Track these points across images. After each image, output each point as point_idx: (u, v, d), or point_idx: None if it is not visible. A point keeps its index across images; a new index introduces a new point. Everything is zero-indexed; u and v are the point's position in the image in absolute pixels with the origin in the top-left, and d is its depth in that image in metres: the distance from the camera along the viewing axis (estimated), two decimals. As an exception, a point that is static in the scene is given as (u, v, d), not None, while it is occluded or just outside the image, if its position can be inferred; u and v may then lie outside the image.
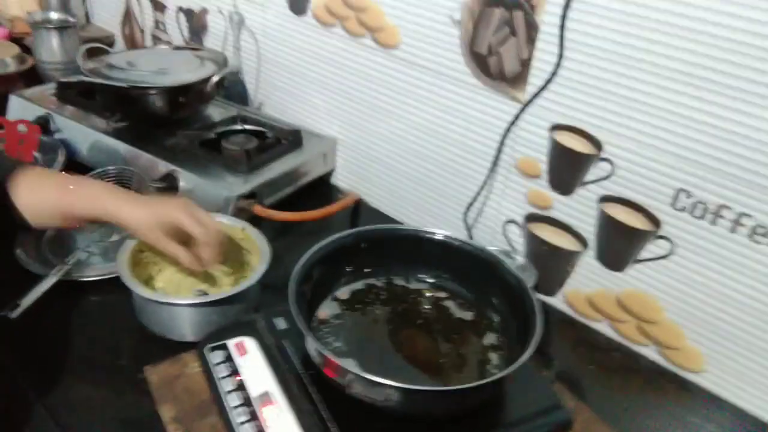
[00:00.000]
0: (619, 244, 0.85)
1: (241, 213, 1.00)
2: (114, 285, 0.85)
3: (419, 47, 0.97)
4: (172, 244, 0.77)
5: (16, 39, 1.54)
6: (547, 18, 0.81)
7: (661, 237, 0.80)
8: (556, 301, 0.96)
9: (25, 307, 0.81)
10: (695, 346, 0.82)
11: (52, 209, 0.75)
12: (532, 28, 0.83)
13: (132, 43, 1.60)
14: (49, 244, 0.98)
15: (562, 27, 0.79)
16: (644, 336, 0.87)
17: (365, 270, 0.77)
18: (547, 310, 0.96)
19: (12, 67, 1.36)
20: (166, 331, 0.79)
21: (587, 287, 0.91)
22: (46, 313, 0.84)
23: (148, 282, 0.85)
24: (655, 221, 0.80)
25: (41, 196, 0.75)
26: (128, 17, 1.56)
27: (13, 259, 0.91)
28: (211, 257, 0.79)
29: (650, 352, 0.87)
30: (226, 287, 0.85)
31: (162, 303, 0.77)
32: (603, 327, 0.91)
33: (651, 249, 0.82)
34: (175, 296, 0.82)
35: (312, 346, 0.61)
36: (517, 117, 0.89)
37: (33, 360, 0.79)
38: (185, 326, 0.78)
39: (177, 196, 0.85)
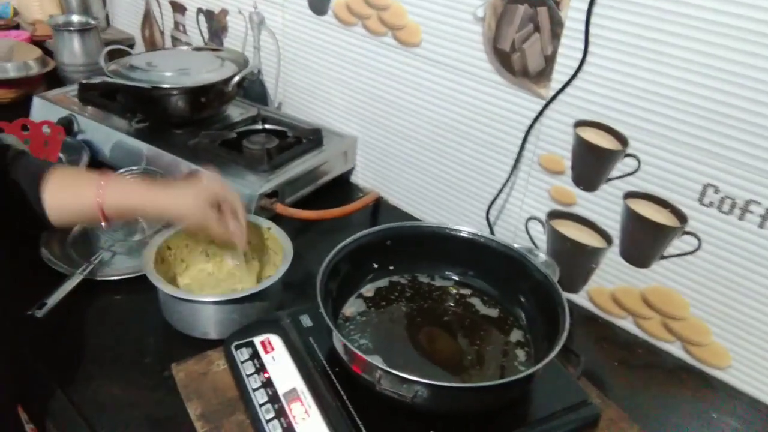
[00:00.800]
0: (645, 241, 0.84)
1: (263, 211, 1.00)
2: (138, 284, 0.86)
3: (441, 45, 0.97)
4: (222, 220, 0.77)
5: (37, 42, 1.56)
6: (572, 14, 0.80)
7: (688, 233, 0.80)
8: (580, 298, 0.95)
9: (51, 306, 0.83)
10: (721, 342, 0.82)
11: (84, 207, 0.74)
12: (556, 24, 0.82)
13: (152, 45, 1.61)
14: (73, 244, 0.99)
15: (587, 22, 0.79)
16: (669, 332, 0.86)
17: (390, 267, 0.77)
18: (571, 307, 0.94)
19: (35, 69, 1.38)
20: (189, 328, 0.80)
21: (611, 284, 0.90)
22: (71, 311, 0.85)
23: (172, 280, 0.85)
24: (682, 217, 0.79)
25: (74, 193, 0.75)
26: (148, 19, 1.58)
27: (38, 259, 0.92)
28: (244, 224, 0.79)
29: (675, 349, 0.86)
30: (250, 285, 0.86)
31: (186, 300, 0.77)
32: (627, 324, 0.91)
33: (677, 245, 0.81)
34: (198, 294, 0.82)
35: (339, 342, 0.61)
36: (540, 113, 0.88)
37: (60, 358, 0.79)
38: (209, 324, 0.78)
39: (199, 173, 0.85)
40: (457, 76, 0.97)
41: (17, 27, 1.67)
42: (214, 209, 0.76)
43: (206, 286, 0.88)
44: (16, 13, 1.71)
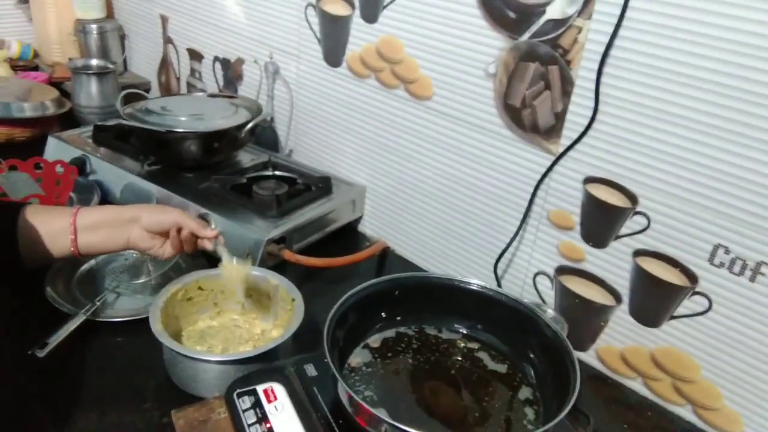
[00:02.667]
0: (655, 300, 0.83)
1: (270, 257, 1.00)
2: (141, 326, 0.85)
3: (452, 99, 0.99)
4: (165, 246, 0.86)
5: (55, 84, 1.59)
6: (583, 73, 0.82)
7: (698, 293, 0.79)
8: (588, 357, 0.94)
9: (52, 346, 0.82)
10: (733, 407, 0.80)
11: (62, 240, 0.80)
12: (567, 83, 0.84)
13: (167, 90, 1.65)
14: (78, 284, 0.99)
15: (597, 81, 0.80)
16: (680, 395, 0.84)
17: (397, 318, 0.76)
18: (579, 366, 0.93)
19: (51, 109, 1.40)
20: (192, 389, 0.79)
21: (620, 343, 0.89)
22: (73, 352, 0.84)
23: (177, 335, 0.85)
24: (692, 277, 0.79)
25: (51, 227, 0.80)
26: (165, 65, 1.61)
27: (43, 298, 0.92)
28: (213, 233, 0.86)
29: (686, 412, 0.84)
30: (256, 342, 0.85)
31: (188, 357, 0.76)
32: (636, 385, 0.89)
33: (687, 305, 0.80)
34: (203, 352, 0.82)
35: (344, 393, 0.60)
36: (550, 169, 0.89)
37: (58, 400, 0.78)
38: (212, 383, 0.77)
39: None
40: (468, 129, 0.98)
41: (36, 68, 1.71)
42: (160, 238, 0.85)
43: (227, 338, 0.87)
44: (36, 55, 1.75)
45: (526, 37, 0.86)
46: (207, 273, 0.89)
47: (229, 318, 0.90)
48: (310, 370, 0.71)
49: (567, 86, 0.84)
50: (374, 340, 0.75)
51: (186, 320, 0.88)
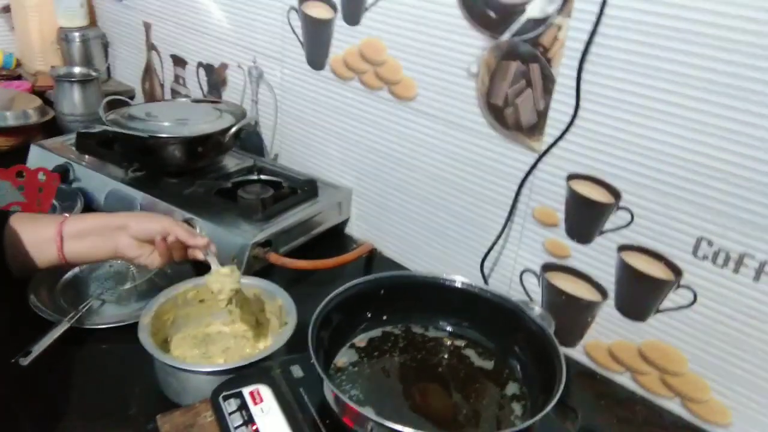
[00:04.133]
0: (640, 294, 0.84)
1: (256, 261, 1.00)
2: (127, 332, 0.84)
3: (436, 99, 0.99)
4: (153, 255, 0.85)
5: (38, 92, 1.58)
6: (564, 70, 0.82)
7: (683, 286, 0.79)
8: (576, 353, 0.94)
9: (36, 354, 0.81)
10: (720, 399, 0.80)
11: (48, 248, 0.79)
12: (548, 80, 0.84)
13: (152, 97, 1.64)
14: (62, 291, 0.98)
15: (578, 78, 0.81)
16: (667, 388, 0.85)
17: (383, 317, 0.76)
18: (567, 361, 0.93)
19: (33, 118, 1.39)
20: (174, 396, 0.78)
21: (607, 338, 0.89)
22: (57, 360, 0.83)
23: (166, 342, 0.84)
24: (677, 270, 0.79)
25: (37, 235, 0.78)
26: (149, 72, 1.61)
27: (27, 305, 0.91)
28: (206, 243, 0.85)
29: (674, 405, 0.85)
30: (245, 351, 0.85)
31: (175, 368, 0.75)
32: (624, 379, 0.89)
33: (673, 298, 0.81)
34: (191, 363, 0.81)
35: (330, 393, 0.60)
36: (533, 167, 0.89)
37: (43, 408, 0.77)
38: (192, 391, 0.76)
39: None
40: (452, 129, 0.98)
41: (19, 77, 1.70)
42: (149, 246, 0.83)
43: (228, 347, 0.86)
44: (18, 64, 1.74)
45: (507, 36, 0.87)
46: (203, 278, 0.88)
47: (241, 329, 0.89)
48: (297, 371, 0.70)
49: (548, 84, 0.84)
50: (360, 340, 0.75)
51: (198, 321, 0.88)
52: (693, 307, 0.79)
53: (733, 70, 0.68)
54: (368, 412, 0.60)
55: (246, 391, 0.68)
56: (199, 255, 0.85)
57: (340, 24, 1.09)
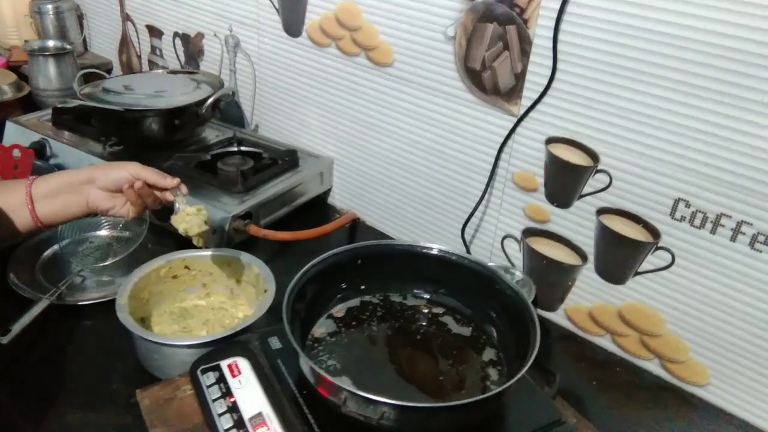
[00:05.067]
0: (619, 257, 0.84)
1: (236, 233, 0.99)
2: (108, 308, 0.84)
3: (413, 64, 0.97)
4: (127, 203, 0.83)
5: (13, 68, 1.55)
6: (540, 31, 0.81)
7: (661, 248, 0.79)
8: (557, 317, 0.94)
9: (16, 332, 0.80)
10: (699, 359, 0.81)
11: (22, 213, 0.77)
12: (525, 42, 0.83)
13: (129, 69, 1.61)
14: (42, 268, 0.97)
15: (555, 40, 0.79)
16: (647, 350, 0.85)
17: (361, 287, 0.76)
18: (548, 325, 0.94)
19: (9, 94, 1.37)
20: (155, 370, 0.78)
21: (588, 301, 0.89)
22: (38, 337, 0.83)
23: (144, 320, 0.84)
24: (655, 232, 0.79)
25: (8, 202, 0.77)
26: (125, 44, 1.57)
27: (6, 284, 0.90)
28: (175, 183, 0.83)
29: (653, 367, 0.85)
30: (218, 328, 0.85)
31: (153, 342, 0.75)
32: (605, 342, 0.90)
33: (651, 261, 0.81)
34: (172, 337, 0.81)
35: (305, 364, 0.60)
36: (512, 131, 0.88)
37: (24, 386, 0.77)
38: (173, 366, 0.76)
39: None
40: (430, 95, 0.97)
41: (-6, 53, 1.67)
42: (121, 196, 0.81)
43: (208, 319, 0.86)
44: (-8, 39, 1.70)
45: (482, -3, 0.85)
46: (194, 253, 0.88)
47: (218, 300, 0.89)
48: (275, 342, 0.70)
49: (525, 46, 0.83)
50: (338, 310, 0.74)
51: (172, 297, 0.88)
52: (671, 269, 0.79)
53: (714, 27, 0.67)
54: (343, 381, 0.60)
55: (224, 364, 0.69)
56: (170, 196, 0.83)
57: (315, -11, 1.06)
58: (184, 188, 0.84)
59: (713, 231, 0.74)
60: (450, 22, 0.90)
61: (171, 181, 0.82)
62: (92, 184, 0.80)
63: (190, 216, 0.81)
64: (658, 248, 0.80)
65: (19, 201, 0.77)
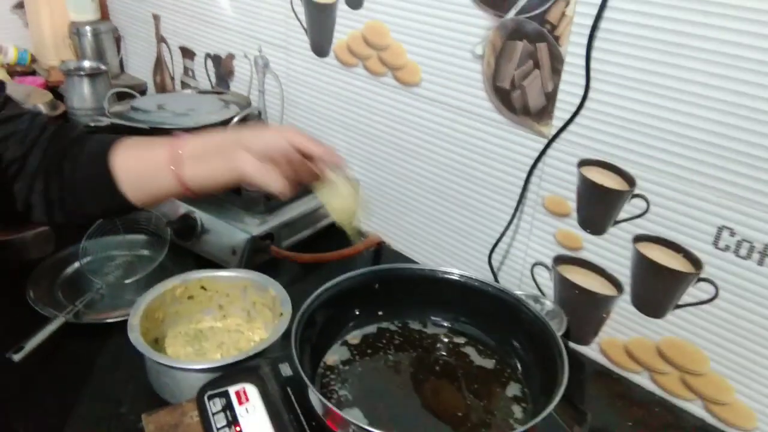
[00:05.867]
0: (658, 288, 0.78)
1: (257, 255, 0.97)
2: (123, 328, 0.82)
3: (441, 84, 0.94)
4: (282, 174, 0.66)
5: (51, 88, 1.58)
6: (572, 49, 0.77)
7: (704, 279, 0.74)
8: (591, 351, 0.88)
9: (29, 350, 0.79)
10: (745, 401, 0.74)
11: (159, 171, 0.66)
12: (556, 60, 0.79)
13: (163, 90, 1.62)
14: (62, 286, 0.97)
15: (587, 57, 0.75)
16: (688, 389, 0.79)
17: (378, 313, 0.72)
18: (581, 360, 0.89)
19: (44, 112, 1.39)
20: (163, 393, 0.76)
21: (624, 335, 0.84)
22: (51, 356, 0.82)
23: (158, 341, 0.82)
24: (696, 262, 0.74)
25: (147, 156, 0.68)
26: (159, 65, 1.59)
27: (25, 299, 0.90)
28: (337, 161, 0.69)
29: (695, 408, 0.79)
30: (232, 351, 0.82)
31: (166, 366, 0.73)
32: (642, 379, 0.83)
33: (692, 293, 0.75)
34: (185, 361, 0.79)
35: (314, 395, 0.56)
36: (542, 153, 0.84)
37: (32, 405, 0.76)
38: (183, 389, 0.73)
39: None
40: (458, 115, 0.94)
41: (34, 73, 1.71)
42: (272, 166, 0.65)
43: (223, 342, 0.84)
44: (33, 59, 1.74)
45: (512, 13, 0.82)
46: (211, 273, 0.86)
47: (234, 323, 0.87)
48: (285, 369, 0.67)
49: (557, 64, 0.79)
50: (353, 337, 0.71)
51: (188, 318, 0.86)
52: (715, 302, 0.73)
53: (759, 43, 0.62)
54: (354, 414, 0.56)
55: (232, 390, 0.65)
56: (327, 172, 0.68)
57: (342, 8, 1.05)
58: (342, 162, 0.70)
59: (761, 262, 0.68)
60: (478, 40, 0.87)
61: (328, 154, 0.68)
62: (241, 146, 0.66)
63: (344, 194, 0.68)
64: (700, 279, 0.74)
65: (161, 160, 0.66)
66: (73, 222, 0.74)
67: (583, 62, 0.76)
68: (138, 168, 0.68)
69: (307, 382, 0.56)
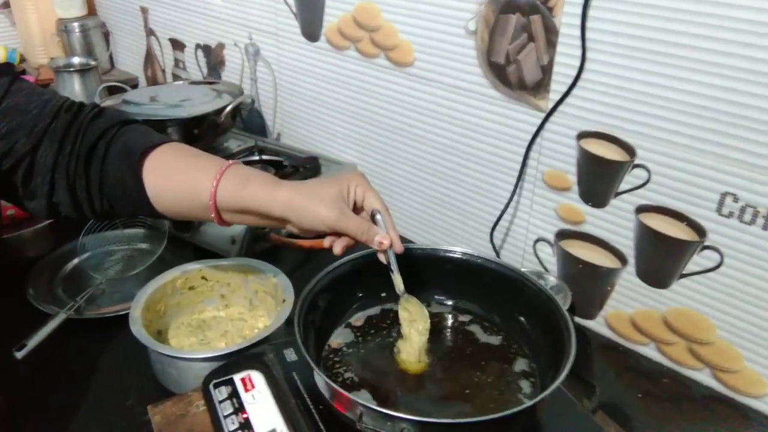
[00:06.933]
0: (662, 258, 0.77)
1: (257, 243, 0.96)
2: (125, 322, 0.81)
3: (434, 62, 0.93)
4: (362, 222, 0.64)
5: (42, 86, 1.56)
6: (567, 19, 0.76)
7: (708, 247, 0.73)
8: (597, 325, 0.88)
9: (31, 347, 0.79)
10: (754, 367, 0.74)
11: (194, 191, 0.64)
12: (551, 32, 0.78)
13: (154, 83, 1.61)
14: (62, 283, 0.96)
15: (582, 27, 0.74)
16: (696, 359, 0.78)
17: (381, 294, 0.71)
18: (587, 334, 0.88)
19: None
20: (169, 384, 0.75)
21: (629, 307, 0.83)
22: (55, 352, 0.82)
23: (161, 332, 0.81)
24: (700, 230, 0.73)
25: (185, 174, 0.65)
26: (150, 58, 1.58)
27: (25, 297, 0.90)
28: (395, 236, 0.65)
29: (704, 377, 0.79)
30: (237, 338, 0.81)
31: (170, 356, 0.73)
32: (650, 351, 0.83)
33: (697, 261, 0.74)
34: (188, 350, 0.78)
35: (319, 378, 0.56)
36: (540, 127, 0.83)
37: (37, 401, 0.75)
38: (188, 379, 0.73)
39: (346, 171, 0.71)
40: (453, 93, 0.93)
41: (23, 72, 1.69)
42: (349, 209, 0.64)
43: (227, 331, 0.83)
44: (22, 59, 1.73)
45: (504, -14, 0.81)
46: (211, 263, 0.85)
47: (236, 311, 0.86)
48: (290, 354, 0.66)
49: (551, 36, 0.78)
50: (357, 319, 0.70)
51: (190, 309, 0.85)
52: (720, 269, 0.73)
53: (759, 4, 0.61)
54: (360, 396, 0.56)
55: (237, 377, 0.65)
56: (381, 257, 0.66)
57: (332, -10, 1.03)
58: (398, 246, 0.65)
59: (766, 227, 0.68)
60: (470, 16, 0.86)
61: (383, 239, 0.64)
62: (284, 221, 0.65)
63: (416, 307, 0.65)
64: (704, 247, 0.73)
65: (204, 187, 0.64)
66: (101, 218, 0.71)
67: (578, 33, 0.75)
68: (172, 191, 0.65)
69: (313, 365, 0.55)
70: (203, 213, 0.66)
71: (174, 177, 0.66)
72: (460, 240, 1.02)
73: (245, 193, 0.64)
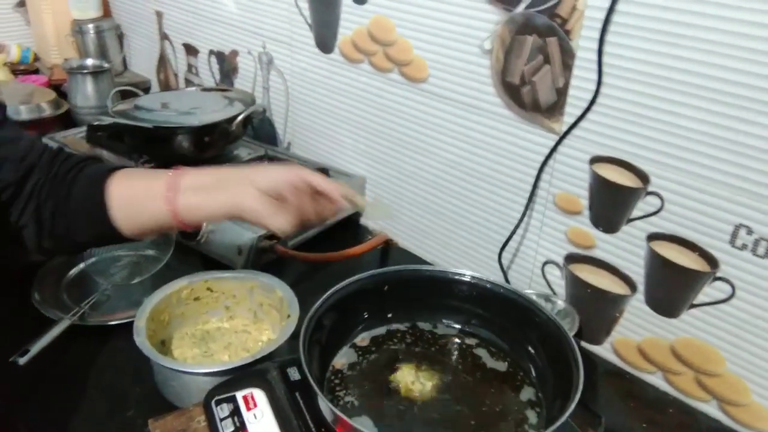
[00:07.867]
0: (672, 287, 0.76)
1: (263, 254, 0.96)
2: (129, 330, 0.81)
3: (448, 80, 0.93)
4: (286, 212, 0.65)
5: (55, 86, 1.57)
6: (584, 43, 0.75)
7: (720, 278, 0.72)
8: (603, 351, 0.87)
9: (34, 353, 0.78)
10: (762, 402, 0.73)
11: (154, 206, 0.66)
12: (567, 55, 0.77)
13: (167, 88, 1.61)
14: (66, 287, 0.96)
15: (599, 52, 0.73)
16: (703, 390, 0.77)
17: (388, 315, 0.71)
18: (593, 360, 0.87)
19: (47, 111, 1.38)
20: (170, 396, 0.75)
21: (637, 335, 0.82)
22: (57, 359, 0.81)
23: (164, 342, 0.81)
24: (713, 261, 0.72)
25: (143, 191, 0.67)
26: (163, 62, 1.58)
27: (29, 302, 0.89)
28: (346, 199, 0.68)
29: (711, 409, 0.77)
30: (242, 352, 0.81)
31: (173, 370, 0.72)
32: (656, 379, 0.82)
33: (708, 292, 0.73)
34: (191, 364, 0.78)
35: (322, 402, 0.55)
36: (553, 149, 0.83)
37: (38, 410, 0.75)
38: (190, 392, 0.72)
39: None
40: (466, 111, 0.92)
41: (37, 72, 1.70)
42: (276, 202, 0.65)
43: (230, 343, 0.82)
44: (36, 58, 1.74)
45: (521, 7, 0.80)
46: (217, 274, 0.84)
47: (241, 323, 0.86)
48: (293, 373, 0.66)
49: (567, 59, 0.77)
50: (362, 339, 0.69)
51: (194, 319, 0.85)
52: (731, 302, 0.72)
53: (773, 35, 0.60)
54: (361, 422, 0.55)
55: (239, 395, 0.64)
56: (342, 204, 0.68)
57: (347, 3, 1.03)
58: (347, 189, 0.69)
59: (780, 261, 0.67)
60: (486, 35, 0.85)
61: (344, 190, 0.67)
62: (247, 183, 0.65)
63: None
64: (716, 279, 0.72)
65: (156, 189, 0.66)
66: (60, 249, 0.74)
67: (594, 57, 0.74)
68: (131, 195, 0.68)
69: (317, 390, 0.54)
70: (159, 210, 0.67)
71: (135, 183, 0.69)
72: (468, 258, 1.01)
73: (206, 169, 0.68)
